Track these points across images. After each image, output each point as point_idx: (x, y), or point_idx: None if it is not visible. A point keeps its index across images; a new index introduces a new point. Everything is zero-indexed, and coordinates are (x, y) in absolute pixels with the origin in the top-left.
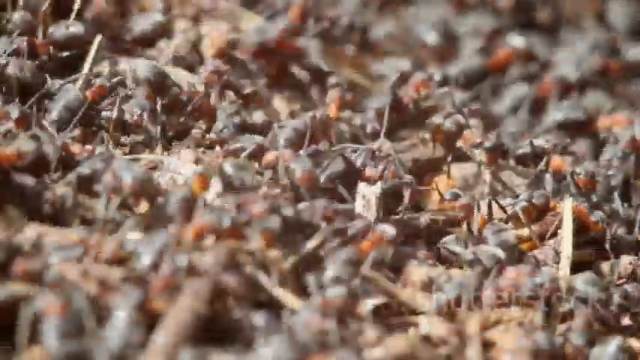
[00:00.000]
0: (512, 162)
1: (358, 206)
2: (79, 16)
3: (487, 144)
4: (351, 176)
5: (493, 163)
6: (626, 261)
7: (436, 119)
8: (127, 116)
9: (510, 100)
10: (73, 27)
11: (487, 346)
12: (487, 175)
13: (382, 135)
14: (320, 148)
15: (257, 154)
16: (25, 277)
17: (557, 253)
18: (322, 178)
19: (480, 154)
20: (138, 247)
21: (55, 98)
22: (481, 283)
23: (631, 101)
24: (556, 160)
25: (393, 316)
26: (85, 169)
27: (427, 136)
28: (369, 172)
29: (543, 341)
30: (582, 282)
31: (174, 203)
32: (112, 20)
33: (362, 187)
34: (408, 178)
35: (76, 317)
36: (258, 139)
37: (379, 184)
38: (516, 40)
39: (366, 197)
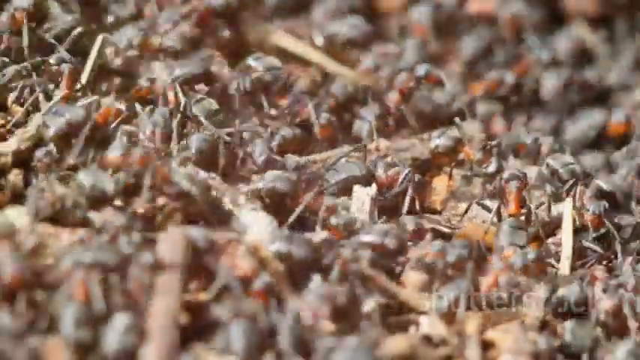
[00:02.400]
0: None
1: (353, 208)
2: None
3: (490, 169)
4: (365, 179)
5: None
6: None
7: (432, 142)
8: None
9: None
10: None
11: (487, 346)
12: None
13: (374, 134)
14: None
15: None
16: None
17: (557, 254)
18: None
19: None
20: None
21: None
22: (478, 282)
23: None
24: (583, 193)
25: (393, 316)
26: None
27: (425, 136)
28: (379, 175)
29: (543, 342)
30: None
31: None
32: None
33: (356, 189)
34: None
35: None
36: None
37: (374, 185)
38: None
39: (361, 199)
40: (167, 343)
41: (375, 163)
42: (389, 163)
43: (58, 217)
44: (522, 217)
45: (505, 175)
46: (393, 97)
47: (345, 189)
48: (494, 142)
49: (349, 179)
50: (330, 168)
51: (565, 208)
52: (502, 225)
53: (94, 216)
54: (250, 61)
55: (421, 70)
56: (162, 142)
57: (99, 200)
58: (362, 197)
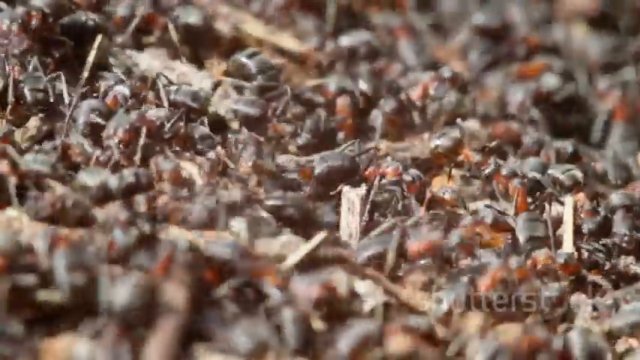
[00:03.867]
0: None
1: (343, 209)
2: None
3: (487, 170)
4: (352, 175)
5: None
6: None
7: (432, 142)
8: None
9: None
10: None
11: None
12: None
13: (378, 134)
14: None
15: None
16: None
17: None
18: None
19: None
20: None
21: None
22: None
23: None
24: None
25: (393, 316)
26: None
27: (426, 136)
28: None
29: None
30: None
31: None
32: None
33: (346, 190)
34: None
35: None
36: None
37: (363, 186)
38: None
39: (351, 200)
40: (170, 341)
41: (364, 157)
42: (379, 157)
43: (58, 217)
44: None
45: (503, 172)
46: (415, 92)
47: (329, 179)
48: (493, 144)
49: (333, 168)
50: (320, 158)
51: (566, 208)
52: (517, 221)
53: (97, 212)
54: (243, 58)
55: (447, 71)
56: (125, 143)
57: (103, 198)
58: (351, 198)
